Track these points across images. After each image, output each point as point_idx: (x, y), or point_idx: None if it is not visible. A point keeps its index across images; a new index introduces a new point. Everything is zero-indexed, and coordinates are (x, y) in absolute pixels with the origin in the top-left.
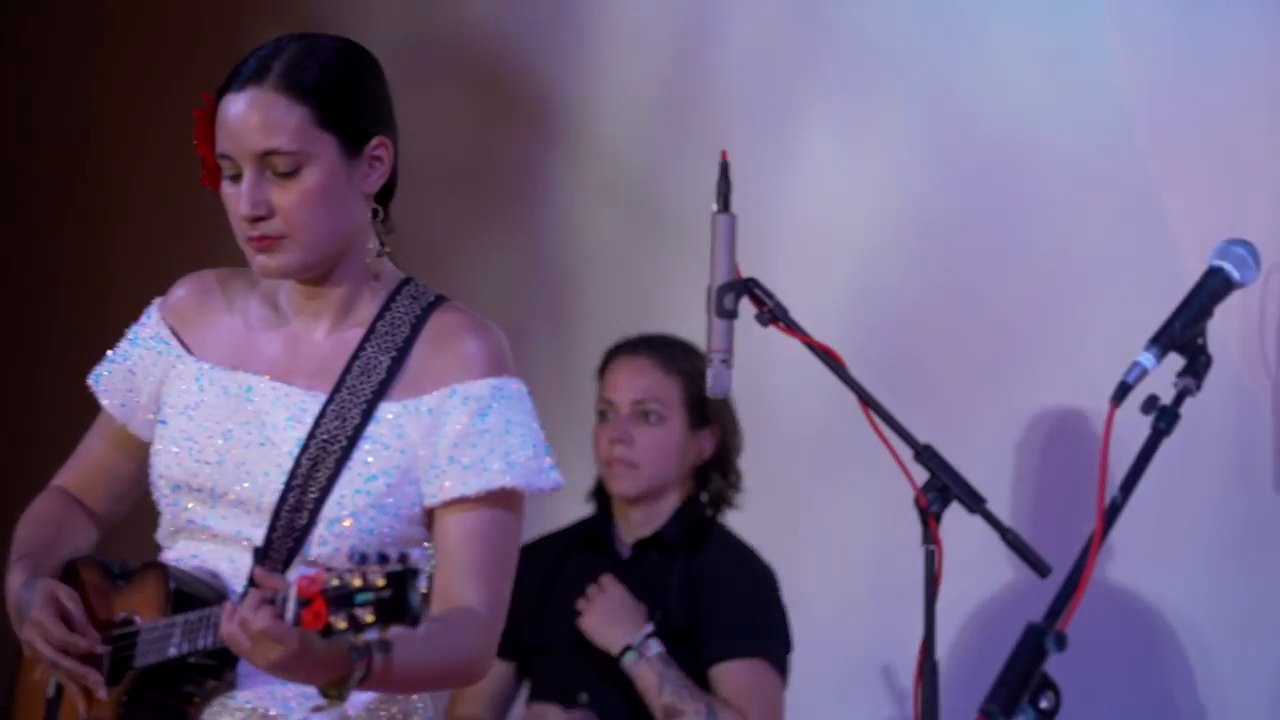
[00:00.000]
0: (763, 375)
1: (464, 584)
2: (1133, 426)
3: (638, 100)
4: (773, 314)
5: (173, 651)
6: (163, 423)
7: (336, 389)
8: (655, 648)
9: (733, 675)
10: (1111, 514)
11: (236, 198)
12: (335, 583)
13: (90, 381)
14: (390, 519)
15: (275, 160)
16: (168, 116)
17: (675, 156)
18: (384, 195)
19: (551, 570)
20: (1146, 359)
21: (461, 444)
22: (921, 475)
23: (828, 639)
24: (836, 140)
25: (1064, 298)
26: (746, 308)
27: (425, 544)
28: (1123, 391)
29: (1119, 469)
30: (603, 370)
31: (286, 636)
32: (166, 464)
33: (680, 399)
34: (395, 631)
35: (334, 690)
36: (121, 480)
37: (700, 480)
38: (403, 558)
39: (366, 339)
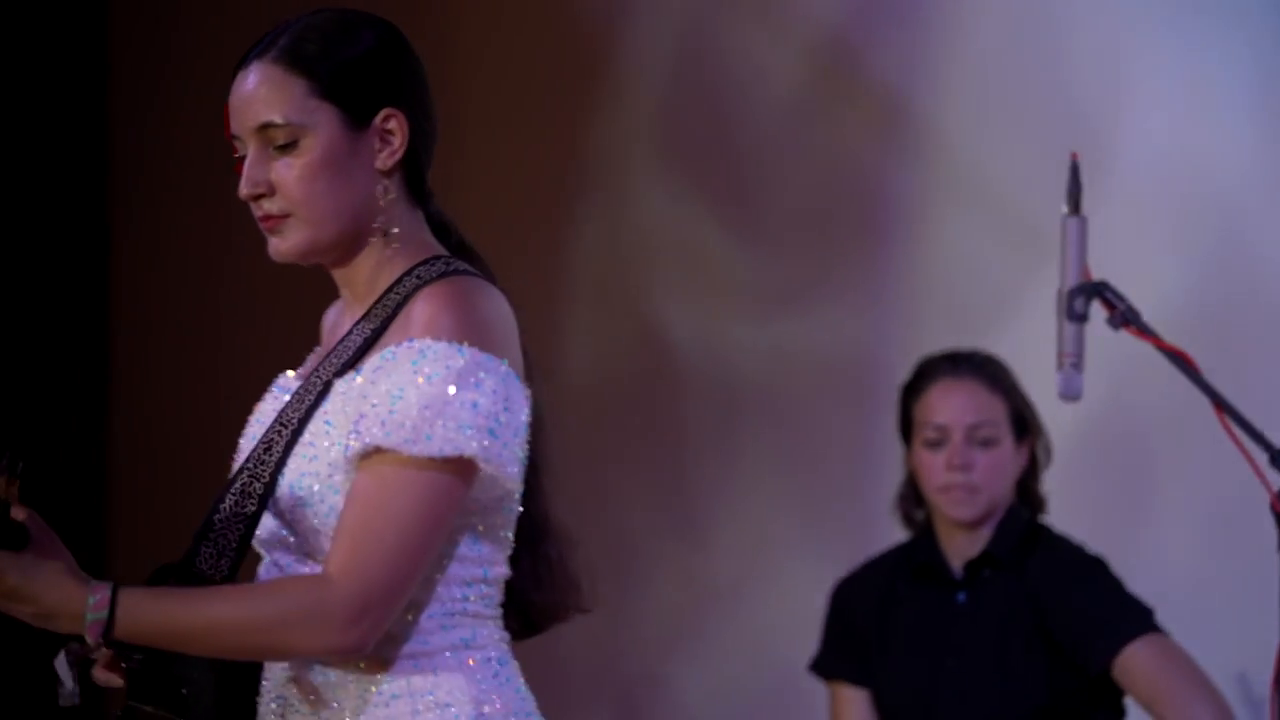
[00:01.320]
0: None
1: (332, 548)
2: None
3: (986, 103)
4: (1124, 317)
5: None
6: None
7: (312, 373)
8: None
9: (1140, 659)
10: None
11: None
12: None
13: None
14: (343, 499)
15: (273, 134)
16: None
17: (1024, 159)
18: (414, 174)
19: (884, 603)
20: None
21: (364, 404)
22: (1276, 480)
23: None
24: (1183, 138)
25: None
26: (1097, 311)
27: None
28: None
29: None
30: (916, 389)
31: None
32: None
33: (1007, 416)
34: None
35: (78, 629)
36: None
37: (1016, 489)
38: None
39: (358, 321)
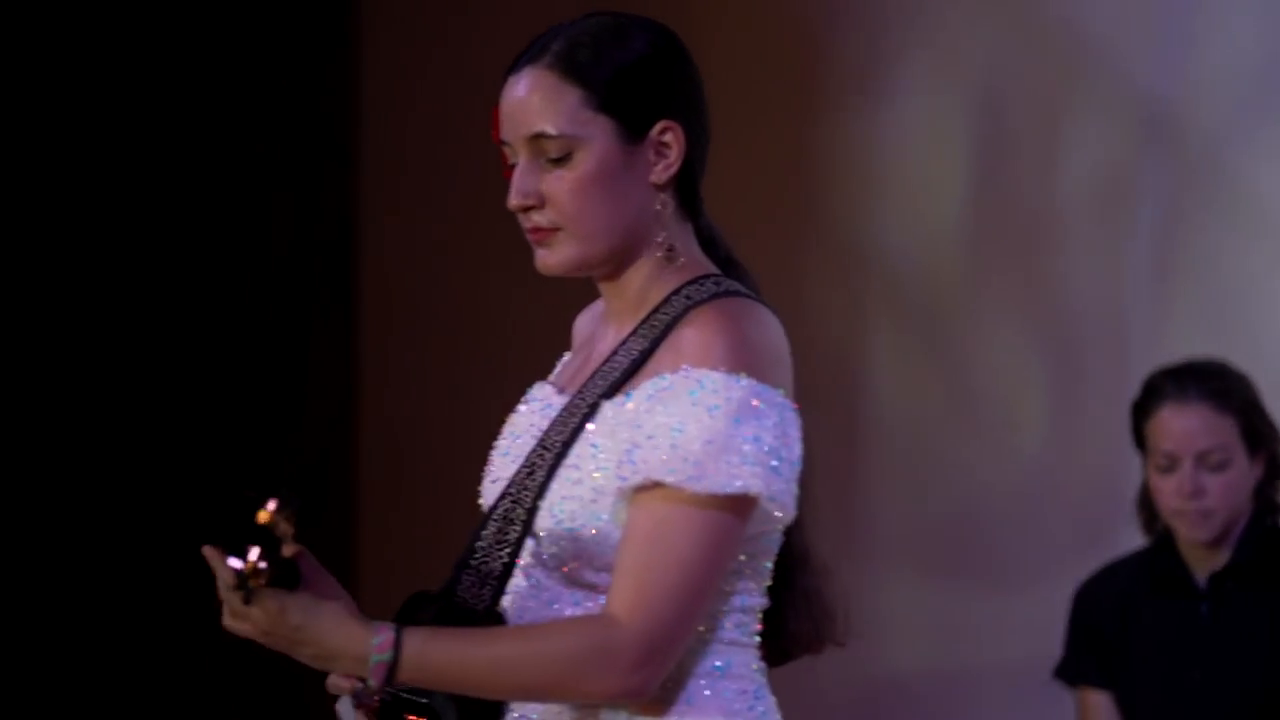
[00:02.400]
0: None
1: (614, 587)
2: None
3: (1238, 101)
4: None
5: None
6: None
7: (577, 393)
8: None
9: None
10: None
11: (511, 187)
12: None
13: None
14: (607, 525)
15: (546, 145)
16: None
17: (1274, 152)
18: (688, 188)
19: (1125, 609)
20: None
21: (638, 434)
22: None
23: None
24: None
25: None
26: None
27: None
28: None
29: None
30: (1145, 409)
31: (229, 594)
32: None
33: (1238, 435)
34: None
35: (360, 671)
36: None
37: (1255, 497)
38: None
39: (626, 339)
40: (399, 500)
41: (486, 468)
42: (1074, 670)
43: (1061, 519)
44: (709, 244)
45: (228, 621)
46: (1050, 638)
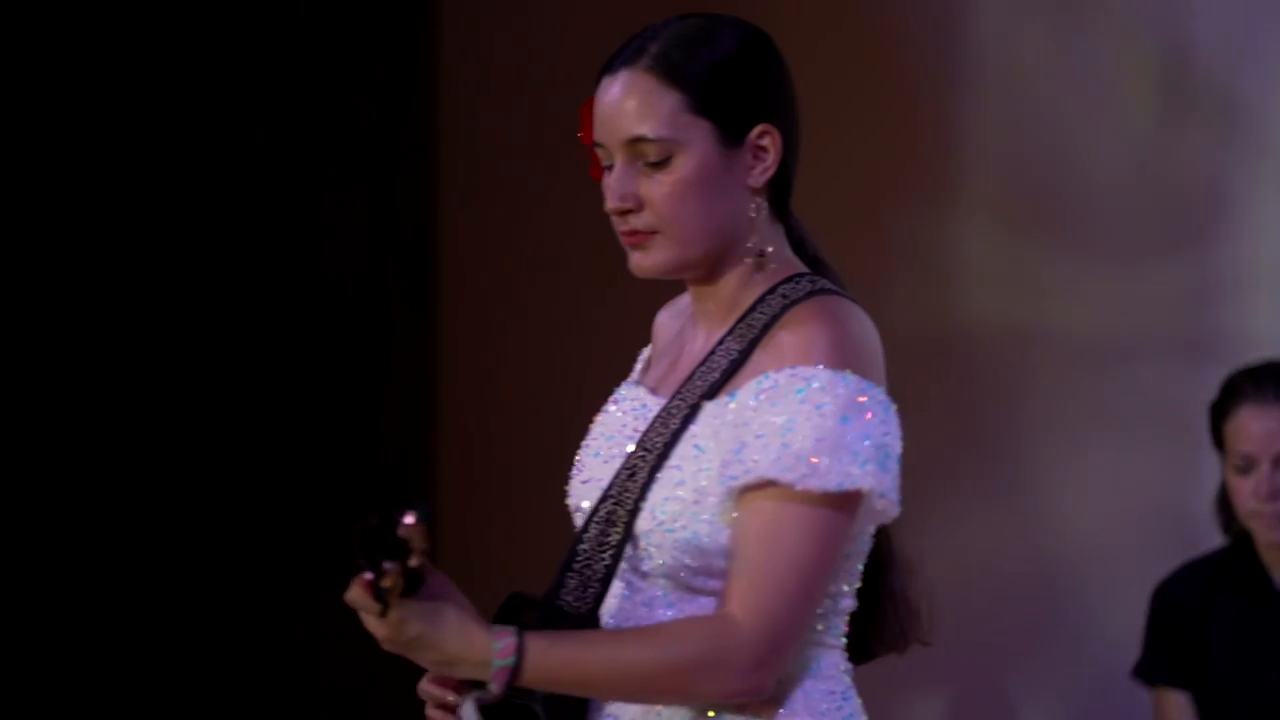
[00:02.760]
0: None
1: (730, 587)
2: None
3: None
4: None
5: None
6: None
7: (674, 395)
8: None
9: None
10: None
11: (608, 189)
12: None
13: None
14: (709, 526)
15: (645, 148)
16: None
17: None
18: (780, 190)
19: (1203, 608)
20: None
21: (746, 433)
22: None
23: None
24: None
25: None
26: None
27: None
28: None
29: None
30: (1223, 410)
31: (368, 605)
32: (568, 490)
33: None
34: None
35: (481, 675)
36: None
37: None
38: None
39: (722, 340)
40: (477, 501)
41: (575, 467)
42: (1152, 670)
43: None
44: (798, 244)
45: (370, 623)
46: None
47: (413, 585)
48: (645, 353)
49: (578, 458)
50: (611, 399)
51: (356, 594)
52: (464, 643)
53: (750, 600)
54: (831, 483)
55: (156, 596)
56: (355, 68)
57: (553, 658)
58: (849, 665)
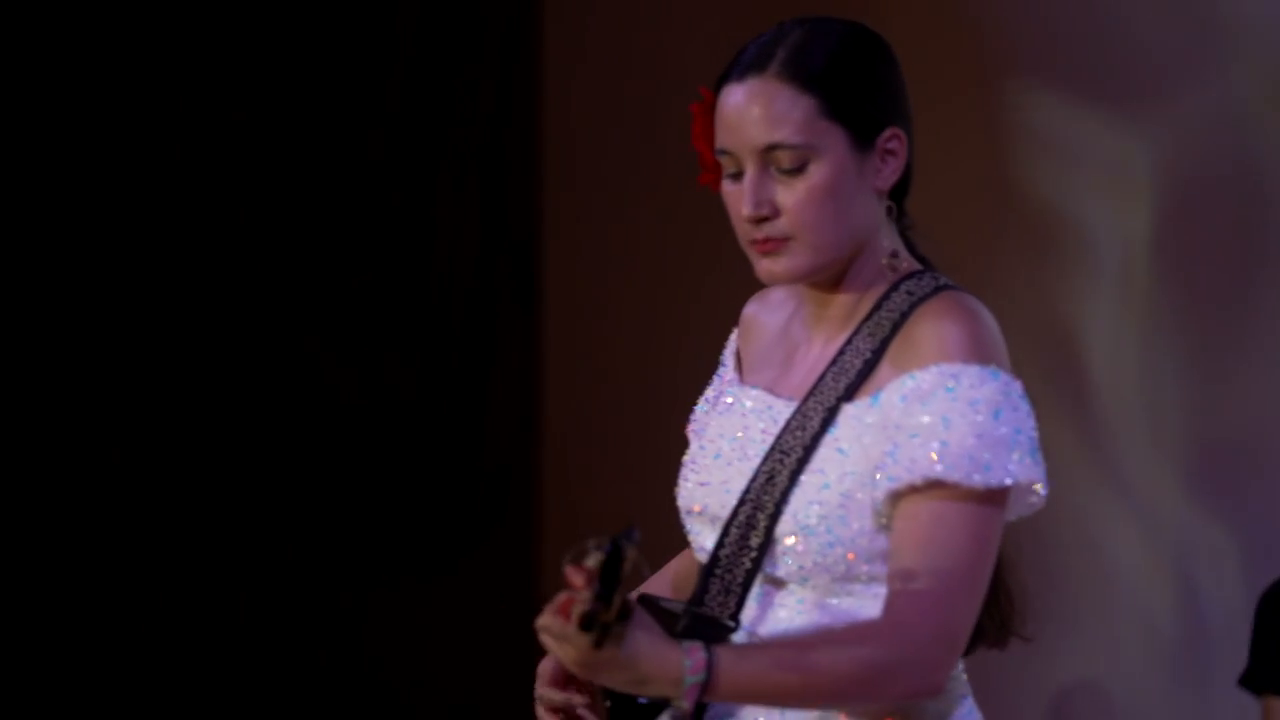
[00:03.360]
0: None
1: (898, 591)
2: None
3: None
4: None
5: (642, 700)
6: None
7: (807, 397)
8: None
9: None
10: None
11: (738, 196)
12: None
13: (692, 417)
14: (853, 531)
15: (779, 155)
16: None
17: None
18: (899, 191)
19: None
20: None
21: (899, 435)
22: None
23: None
24: None
25: None
26: None
27: None
28: None
29: None
30: None
31: (566, 633)
32: (679, 492)
33: None
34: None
35: (673, 693)
36: None
37: None
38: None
39: (850, 340)
40: (582, 499)
41: (689, 468)
42: (1260, 678)
43: None
44: (909, 244)
45: (549, 642)
46: None
47: (626, 613)
48: (732, 342)
49: (691, 458)
50: (722, 401)
51: (553, 620)
52: (657, 662)
53: (924, 601)
54: (995, 478)
55: (252, 600)
56: (465, 76)
57: (742, 671)
58: (962, 667)
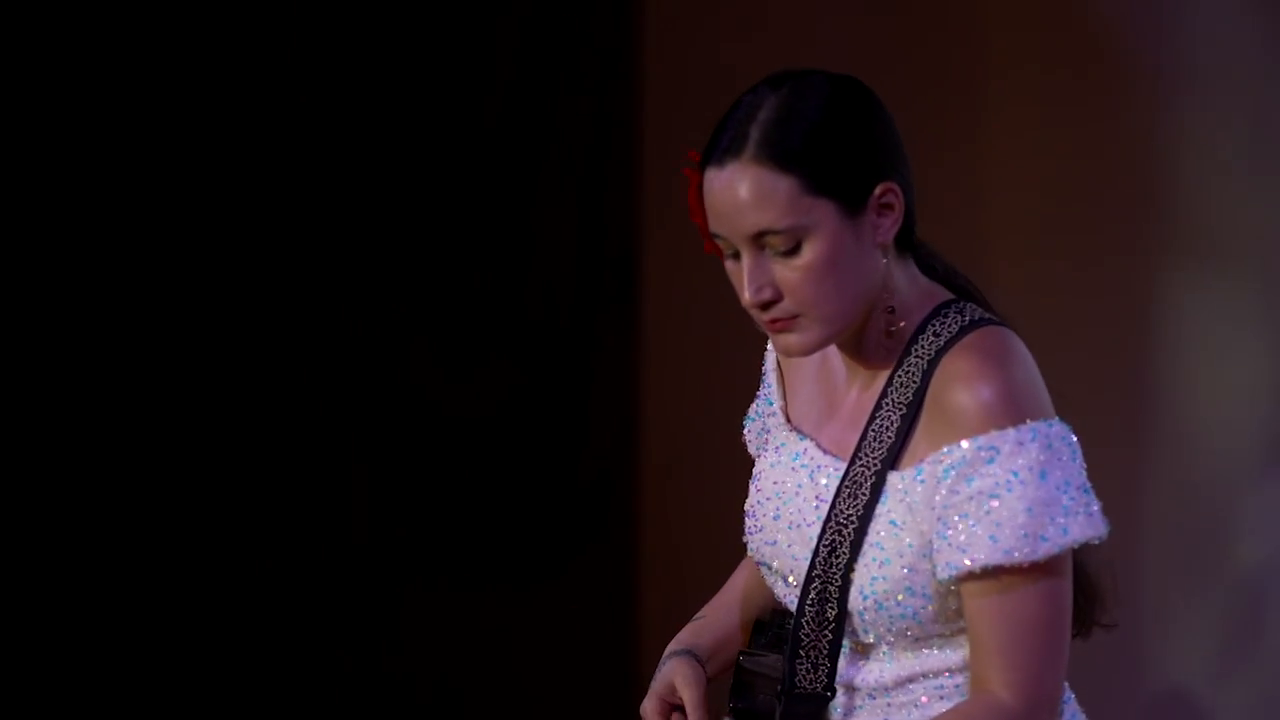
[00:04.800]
0: None
1: (985, 668)
2: None
3: None
4: None
5: None
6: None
7: (852, 460)
8: None
9: None
10: None
11: (740, 279)
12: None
13: (743, 430)
14: (922, 601)
15: (771, 240)
16: None
17: None
18: (904, 234)
19: None
20: None
21: (947, 516)
22: None
23: None
24: None
25: None
26: None
27: None
28: None
29: None
30: None
31: None
32: (747, 541)
33: None
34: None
35: None
36: None
37: None
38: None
39: (883, 397)
40: (680, 500)
41: (751, 517)
42: None
43: None
44: (927, 267)
45: None
46: None
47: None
48: (770, 361)
49: (751, 506)
50: (773, 447)
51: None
52: None
53: (1015, 679)
54: (1056, 547)
55: (346, 606)
56: (564, 80)
57: None
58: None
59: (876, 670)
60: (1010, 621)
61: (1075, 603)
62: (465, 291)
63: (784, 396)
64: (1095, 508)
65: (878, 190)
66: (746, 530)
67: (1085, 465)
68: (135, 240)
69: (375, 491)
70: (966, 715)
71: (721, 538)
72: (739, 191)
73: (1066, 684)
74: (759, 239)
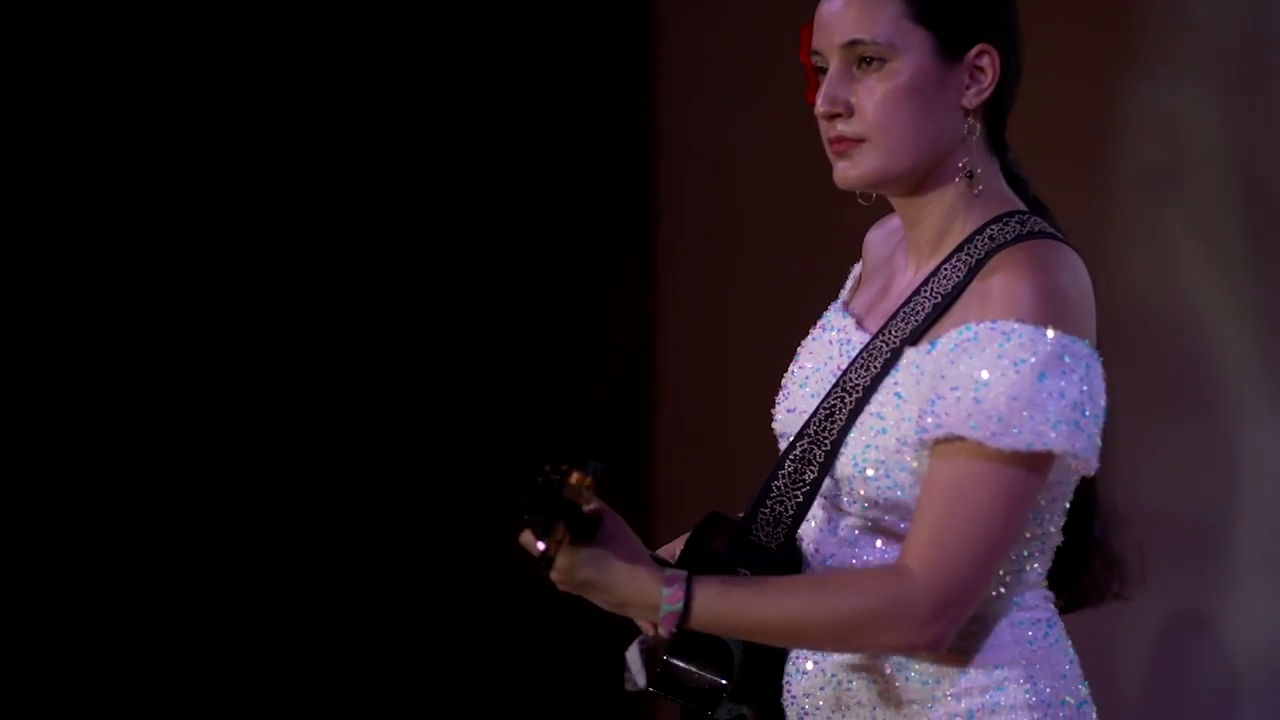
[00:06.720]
0: None
1: (911, 538)
2: None
3: None
4: None
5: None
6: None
7: (877, 335)
8: None
9: None
10: None
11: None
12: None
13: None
14: (909, 477)
15: (861, 51)
16: None
17: None
18: (995, 117)
19: None
20: None
21: (941, 385)
22: None
23: None
24: None
25: None
26: None
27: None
28: None
29: None
30: None
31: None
32: (775, 404)
33: None
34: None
35: (650, 619)
36: None
37: None
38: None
39: (924, 284)
40: (696, 426)
41: (781, 393)
42: None
43: None
44: (1016, 183)
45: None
46: None
47: (582, 533)
48: (855, 270)
49: (785, 382)
50: (819, 323)
51: (528, 539)
52: (633, 587)
53: (929, 554)
54: (1022, 442)
55: (361, 526)
56: (577, 11)
57: (721, 605)
58: (1051, 594)
59: (843, 552)
60: (950, 498)
61: (1091, 569)
62: (481, 218)
63: (851, 292)
64: (1085, 434)
65: (976, 48)
66: (775, 403)
67: (1103, 399)
68: (150, 180)
69: (392, 415)
70: (869, 578)
71: (737, 458)
72: (849, 5)
73: (1052, 597)
74: (849, 50)
